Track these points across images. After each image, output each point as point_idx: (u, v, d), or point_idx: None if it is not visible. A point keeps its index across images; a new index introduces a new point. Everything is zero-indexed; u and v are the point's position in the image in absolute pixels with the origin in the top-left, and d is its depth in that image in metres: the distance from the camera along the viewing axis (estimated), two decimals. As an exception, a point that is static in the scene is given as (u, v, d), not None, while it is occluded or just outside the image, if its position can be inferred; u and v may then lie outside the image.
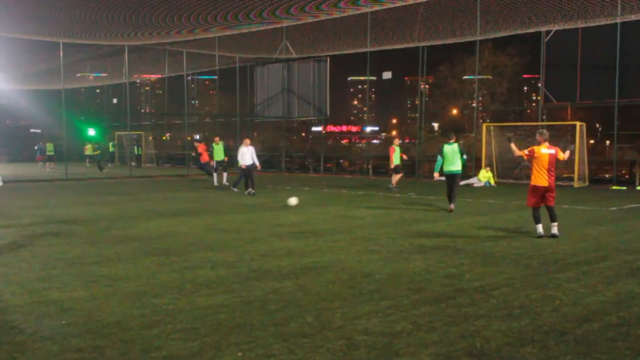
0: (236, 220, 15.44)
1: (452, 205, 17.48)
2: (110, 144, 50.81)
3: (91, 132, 51.56)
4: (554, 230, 12.57)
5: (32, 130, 67.37)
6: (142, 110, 72.89)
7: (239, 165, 22.44)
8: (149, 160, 50.31)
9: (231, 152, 29.80)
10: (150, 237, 12.68)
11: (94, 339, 6.11)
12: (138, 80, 63.63)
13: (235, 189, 23.71)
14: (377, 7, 28.38)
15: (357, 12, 28.71)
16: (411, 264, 9.82)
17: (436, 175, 18.22)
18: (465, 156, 17.97)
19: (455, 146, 17.69)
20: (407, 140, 69.03)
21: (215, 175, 27.69)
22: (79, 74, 47.06)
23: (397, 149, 24.73)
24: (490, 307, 7.27)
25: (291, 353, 5.74)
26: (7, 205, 19.24)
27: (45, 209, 18.38)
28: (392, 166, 24.79)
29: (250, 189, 22.37)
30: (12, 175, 33.13)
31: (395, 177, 24.71)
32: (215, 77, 48.20)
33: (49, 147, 42.76)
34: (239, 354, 5.71)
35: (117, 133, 52.53)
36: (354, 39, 34.15)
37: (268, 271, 9.27)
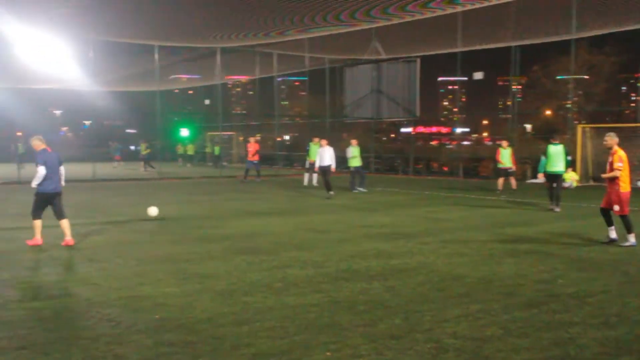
0: (325, 221, 15.49)
1: (557, 208, 17.49)
2: (208, 144, 51.75)
3: (184, 132, 52.82)
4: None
5: (127, 131, 69.61)
6: (233, 111, 74.15)
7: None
8: (240, 160, 51.10)
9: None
10: (241, 236, 12.87)
11: (186, 334, 6.25)
12: (230, 82, 64.73)
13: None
14: (468, 7, 27.91)
15: (447, 12, 28.33)
16: (502, 268, 9.61)
17: (540, 176, 18.53)
18: (570, 157, 18.09)
19: (560, 147, 17.76)
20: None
21: (306, 175, 27.89)
22: (172, 76, 48.26)
23: (505, 150, 23.53)
24: (585, 315, 7.03)
25: (379, 354, 5.71)
26: (105, 203, 19.94)
27: (140, 207, 18.91)
28: (502, 168, 23.67)
29: (330, 192, 21.66)
30: (108, 174, 34.29)
31: (501, 181, 23.53)
32: (305, 78, 48.54)
33: (143, 147, 44.07)
34: (328, 353, 5.71)
35: (208, 133, 53.63)
36: (445, 39, 33.71)
37: (357, 272, 9.25)
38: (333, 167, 21.92)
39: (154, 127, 40.46)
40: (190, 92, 70.60)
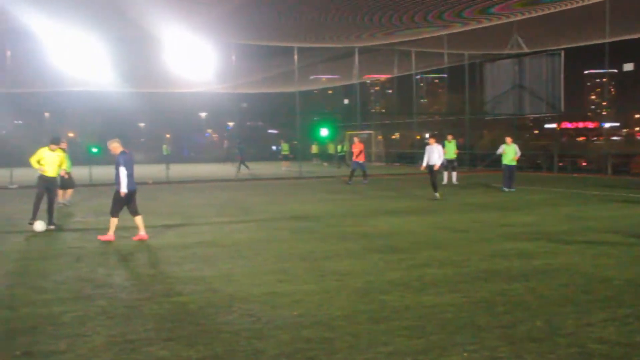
0: (464, 220, 15.22)
1: None
2: (340, 146, 52.23)
3: (324, 132, 53.55)
4: None
5: (269, 131, 71.43)
6: (372, 110, 74.40)
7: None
8: (378, 159, 51.22)
9: (460, 151, 29.40)
10: (378, 235, 12.88)
11: (323, 331, 6.33)
12: (368, 81, 64.96)
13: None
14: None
15: (594, 1, 27.00)
16: (654, 270, 9.08)
17: None
18: None
19: None
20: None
21: (445, 173, 27.48)
22: (312, 77, 49.03)
23: None
24: None
25: (518, 357, 5.54)
26: (246, 202, 20.56)
27: (280, 205, 19.37)
28: None
29: (436, 193, 20.79)
30: (249, 174, 35.35)
31: None
32: (444, 75, 47.92)
33: (284, 147, 45.15)
34: (465, 354, 5.62)
35: (348, 133, 54.11)
36: (592, 30, 32.20)
37: (496, 272, 9.03)
38: (437, 165, 20.81)
39: (294, 127, 41.26)
40: (330, 92, 71.48)
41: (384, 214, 16.57)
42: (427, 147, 21.11)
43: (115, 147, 12.62)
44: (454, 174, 27.41)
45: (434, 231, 13.38)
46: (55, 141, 14.61)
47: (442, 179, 27.19)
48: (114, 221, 12.53)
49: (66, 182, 19.36)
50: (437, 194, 20.67)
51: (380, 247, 11.31)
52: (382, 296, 7.71)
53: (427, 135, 26.47)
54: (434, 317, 6.75)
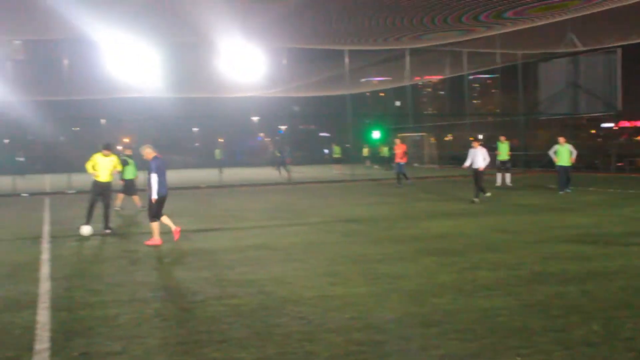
0: (518, 222, 15.01)
1: None
2: (386, 148, 52.04)
3: (376, 134, 53.43)
4: None
5: (321, 134, 71.59)
6: (424, 112, 73.97)
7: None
8: (431, 161, 50.86)
9: (514, 152, 29.00)
10: (431, 237, 12.81)
11: (375, 334, 6.32)
12: (420, 82, 64.63)
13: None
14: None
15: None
16: None
17: None
18: None
19: None
20: None
21: (498, 175, 27.13)
22: (363, 79, 48.94)
23: None
24: None
25: (574, 362, 5.45)
26: (298, 205, 20.64)
27: (332, 208, 19.40)
28: None
29: (475, 198, 20.16)
30: (303, 177, 35.47)
31: None
32: (497, 75, 47.36)
33: (336, 150, 45.18)
34: (518, 358, 5.55)
35: (399, 135, 53.89)
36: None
37: (551, 275, 8.89)
38: (482, 167, 20.24)
39: (345, 130, 41.30)
40: (381, 94, 71.34)
41: (436, 217, 16.46)
42: (471, 150, 20.75)
43: (148, 152, 12.83)
44: (508, 176, 27.04)
45: (487, 233, 13.23)
46: (107, 147, 14.91)
47: (495, 181, 26.88)
48: (155, 225, 12.77)
49: (130, 188, 19.75)
50: (488, 194, 20.75)
51: (432, 249, 11.24)
52: (434, 299, 7.66)
53: (478, 137, 26.01)
54: (487, 321, 6.68)
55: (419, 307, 7.33)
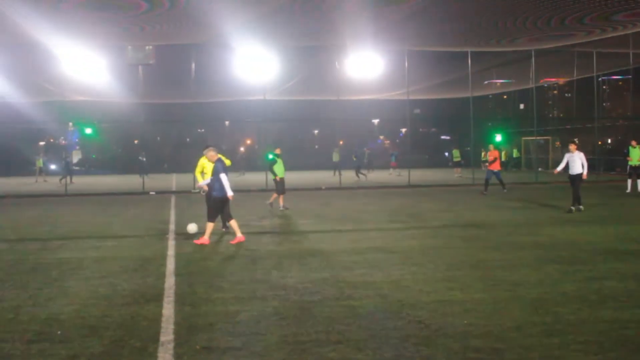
0: (650, 230, 14.28)
1: None
2: (515, 149, 50.94)
3: (498, 138, 52.33)
4: None
5: (442, 137, 70.83)
6: (549, 115, 71.71)
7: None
8: (556, 166, 49.30)
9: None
10: (555, 244, 12.39)
11: (494, 342, 6.19)
12: (545, 84, 62.65)
13: None
14: None
15: None
16: None
17: None
18: None
19: None
20: None
21: (629, 181, 25.93)
22: (486, 82, 48.04)
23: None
24: None
25: None
26: (417, 208, 20.49)
27: (452, 212, 19.14)
28: None
29: (575, 206, 18.70)
30: (422, 180, 35.17)
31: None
32: (629, 76, 45.21)
33: (455, 153, 44.61)
34: (647, 374, 5.28)
35: (523, 139, 52.51)
36: None
37: (685, 287, 8.41)
38: (585, 174, 18.57)
39: (467, 133, 40.63)
40: (505, 96, 69.74)
41: (561, 223, 15.90)
42: (567, 155, 19.17)
43: (212, 155, 13.44)
44: (639, 182, 25.78)
45: (615, 242, 12.65)
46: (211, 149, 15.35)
47: (625, 187, 25.73)
48: (210, 225, 13.30)
49: (280, 187, 20.35)
50: (573, 208, 18.55)
51: (556, 257, 10.88)
52: (556, 308, 7.42)
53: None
54: (613, 333, 6.40)
55: (540, 316, 7.12)
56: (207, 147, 15.20)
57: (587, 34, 28.74)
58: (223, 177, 13.04)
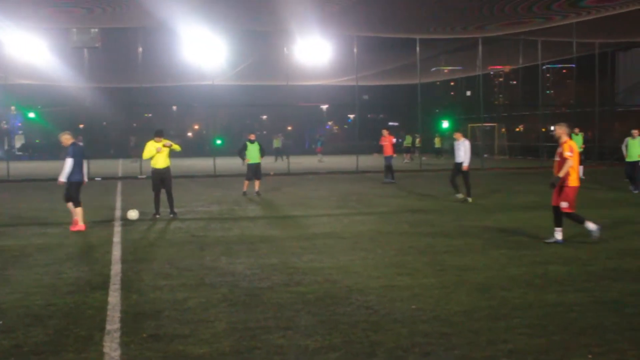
0: (592, 216, 14.53)
1: None
2: (437, 139, 50.81)
3: (444, 124, 52.88)
4: None
5: (390, 124, 71.31)
6: (495, 102, 72.75)
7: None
8: (502, 152, 50.03)
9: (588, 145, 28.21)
10: (502, 230, 12.56)
11: (442, 326, 6.24)
12: (492, 72, 63.51)
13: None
14: None
15: None
16: None
17: None
18: None
19: None
20: None
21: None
22: (433, 68, 48.45)
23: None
24: None
25: (650, 362, 5.26)
26: (366, 194, 20.58)
27: (401, 198, 19.27)
28: None
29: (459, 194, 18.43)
30: (370, 166, 35.32)
31: None
32: (573, 65, 46.11)
33: (408, 139, 44.98)
34: (589, 356, 5.39)
35: (470, 125, 53.18)
36: None
37: (627, 271, 8.62)
38: (466, 165, 17.89)
39: (415, 119, 40.97)
40: (452, 83, 70.45)
41: (509, 209, 16.14)
42: (455, 144, 18.46)
43: (66, 139, 13.38)
44: (581, 168, 26.24)
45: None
46: (159, 134, 15.18)
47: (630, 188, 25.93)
48: (78, 211, 13.31)
49: (257, 173, 20.20)
50: (460, 195, 18.15)
51: (503, 242, 11.05)
52: (503, 292, 7.53)
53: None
54: (558, 316, 6.52)
55: (487, 300, 7.21)
56: (158, 131, 15.09)
57: (545, 20, 29.04)
58: (67, 161, 13.01)
